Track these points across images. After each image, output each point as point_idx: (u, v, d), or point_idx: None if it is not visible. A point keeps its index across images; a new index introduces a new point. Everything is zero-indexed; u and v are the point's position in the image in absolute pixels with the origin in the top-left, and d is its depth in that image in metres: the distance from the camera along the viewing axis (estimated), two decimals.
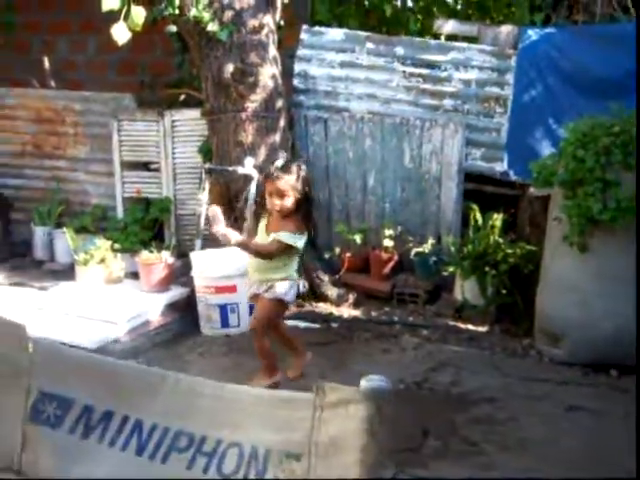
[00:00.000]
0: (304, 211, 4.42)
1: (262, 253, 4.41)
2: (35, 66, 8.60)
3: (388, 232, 6.57)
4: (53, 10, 8.97)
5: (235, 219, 6.26)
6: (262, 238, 4.46)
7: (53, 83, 8.34)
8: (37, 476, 1.53)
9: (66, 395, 1.53)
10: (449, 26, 7.01)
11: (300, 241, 4.42)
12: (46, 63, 8.50)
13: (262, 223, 4.53)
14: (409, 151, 6.68)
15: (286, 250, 4.39)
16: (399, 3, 8.93)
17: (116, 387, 1.54)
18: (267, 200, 4.36)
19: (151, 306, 5.69)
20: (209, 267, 5.66)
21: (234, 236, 4.34)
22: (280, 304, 4.57)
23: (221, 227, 4.32)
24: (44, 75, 8.46)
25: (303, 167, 4.45)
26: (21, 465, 1.52)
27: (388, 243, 6.58)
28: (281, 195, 4.29)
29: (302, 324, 6.01)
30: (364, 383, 1.27)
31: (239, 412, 1.42)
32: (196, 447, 1.44)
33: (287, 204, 4.32)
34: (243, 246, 4.42)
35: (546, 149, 6.21)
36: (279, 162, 4.40)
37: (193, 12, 6.18)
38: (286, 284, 4.50)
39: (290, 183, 4.30)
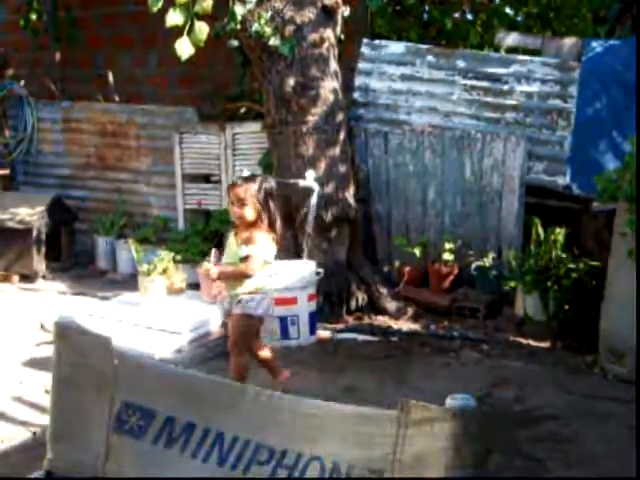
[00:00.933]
0: (268, 221, 4.39)
1: (244, 275, 4.34)
2: (99, 80, 8.80)
3: (448, 245, 6.53)
4: (116, 26, 9.18)
5: (295, 232, 6.32)
6: (232, 249, 4.43)
7: (117, 97, 8.53)
8: None
9: (149, 406, 1.56)
10: (511, 39, 6.97)
11: (270, 253, 4.42)
12: (110, 77, 8.69)
13: (231, 238, 4.50)
14: (470, 164, 6.64)
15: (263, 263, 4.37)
16: (458, 16, 8.92)
17: (197, 399, 1.56)
18: (230, 209, 4.47)
19: (212, 317, 5.75)
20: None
21: (214, 270, 4.38)
22: (250, 319, 4.44)
23: (208, 264, 4.44)
24: (108, 89, 8.65)
25: (270, 180, 4.50)
26: (105, 474, 1.55)
27: (448, 256, 6.55)
28: (241, 203, 4.31)
29: (360, 337, 6.01)
30: (450, 401, 1.26)
31: (320, 427, 1.43)
32: (277, 460, 1.45)
33: (246, 213, 4.32)
34: (224, 275, 4.40)
35: (610, 163, 6.12)
36: (244, 173, 4.49)
37: (255, 27, 6.25)
38: (255, 297, 4.41)
39: (250, 192, 4.30)
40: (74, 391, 1.61)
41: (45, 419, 4.49)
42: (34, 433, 4.32)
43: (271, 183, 4.46)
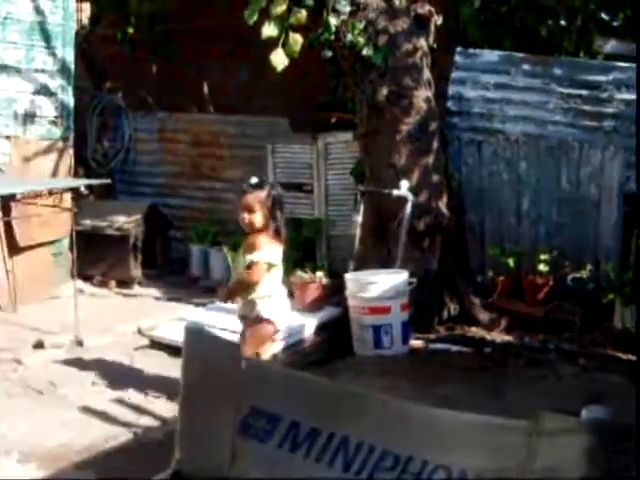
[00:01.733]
0: (274, 227, 4.38)
1: (249, 283, 4.36)
2: (193, 92, 9.01)
3: (543, 256, 6.42)
4: (209, 38, 9.38)
5: (387, 241, 6.31)
6: (238, 257, 4.54)
7: (211, 108, 8.72)
8: None
9: (275, 411, 1.59)
10: (610, 46, 6.82)
11: (275, 256, 4.39)
12: (204, 89, 8.89)
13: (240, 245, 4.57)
14: (566, 173, 6.52)
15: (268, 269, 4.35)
16: (552, 22, 8.75)
17: (322, 405, 1.58)
18: (238, 216, 4.41)
19: (305, 325, 5.80)
20: (363, 288, 5.71)
21: (221, 295, 4.56)
22: (266, 324, 4.43)
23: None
24: (202, 100, 8.86)
25: (277, 187, 4.55)
26: (230, 476, 1.59)
27: (543, 267, 6.44)
28: (249, 210, 4.31)
29: (453, 347, 5.96)
30: (585, 413, 1.24)
31: (447, 436, 1.43)
32: (402, 467, 1.46)
33: (255, 219, 4.31)
34: (231, 291, 4.50)
35: None
36: (253, 179, 4.44)
37: (349, 37, 6.30)
38: (269, 302, 4.42)
39: (259, 199, 4.31)
40: (202, 395, 1.66)
41: (145, 420, 4.66)
42: (135, 434, 4.46)
43: (278, 190, 4.52)
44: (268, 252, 4.35)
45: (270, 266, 4.37)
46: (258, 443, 1.59)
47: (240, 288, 4.44)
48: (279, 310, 4.50)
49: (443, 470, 1.41)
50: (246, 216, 4.34)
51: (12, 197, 6.59)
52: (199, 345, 1.67)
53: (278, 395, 1.62)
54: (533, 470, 1.31)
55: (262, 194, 4.34)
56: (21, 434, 4.43)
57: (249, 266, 4.32)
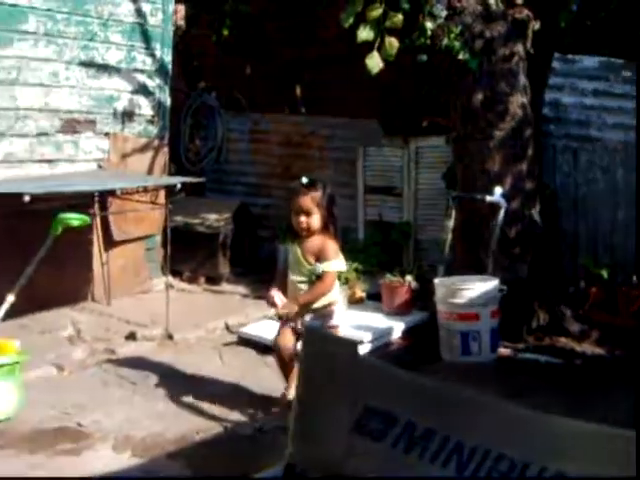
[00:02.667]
0: (333, 230, 4.21)
1: (322, 294, 4.22)
2: (286, 93, 9.11)
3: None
4: (302, 41, 9.47)
5: (478, 248, 6.25)
6: (302, 263, 4.22)
7: (303, 109, 8.80)
8: None
9: (390, 411, 1.61)
10: None
11: (343, 263, 4.27)
12: (297, 90, 8.98)
13: (294, 248, 4.28)
14: None
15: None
16: None
17: (438, 407, 1.59)
18: (292, 219, 4.18)
19: (392, 328, 5.81)
20: (453, 294, 5.67)
21: (293, 309, 4.17)
22: (336, 331, 4.32)
23: (283, 310, 4.16)
24: (295, 102, 8.95)
25: (328, 185, 4.32)
26: (343, 471, 1.62)
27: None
28: (307, 213, 4.11)
29: (542, 358, 5.85)
30: None
31: (568, 443, 1.42)
32: (518, 472, 1.46)
33: (313, 222, 4.12)
34: (304, 305, 4.23)
35: None
36: (304, 179, 4.21)
37: (445, 41, 6.27)
38: (336, 309, 4.34)
39: (316, 200, 4.13)
40: (318, 392, 1.68)
41: (234, 416, 4.74)
42: (225, 428, 4.55)
43: (330, 189, 4.32)
44: (338, 260, 4.25)
45: (339, 273, 4.39)
46: (372, 442, 1.61)
47: (315, 300, 4.24)
48: (343, 314, 4.50)
49: (561, 477, 1.40)
50: (304, 219, 4.13)
51: (110, 193, 6.80)
52: (318, 344, 1.70)
53: (394, 395, 1.64)
54: None
55: (318, 194, 4.16)
56: (116, 422, 4.58)
57: (320, 276, 4.18)
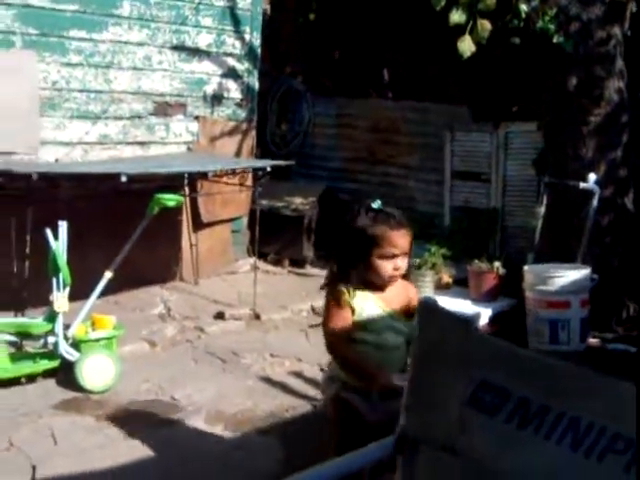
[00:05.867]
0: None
1: None
2: (373, 77, 9.10)
3: None
4: (392, 24, 9.43)
5: (569, 235, 6.14)
6: (385, 321, 2.94)
7: (390, 94, 8.78)
8: (470, 456, 1.64)
9: (504, 386, 1.62)
10: None
11: None
12: (384, 74, 8.96)
13: (367, 302, 2.90)
14: None
15: None
16: None
17: (552, 383, 1.59)
18: (380, 265, 2.83)
19: (480, 314, 5.77)
20: (543, 281, 5.58)
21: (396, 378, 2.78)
22: None
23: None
24: (382, 86, 8.93)
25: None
26: (456, 444, 1.63)
27: None
28: (406, 253, 2.91)
29: (632, 349, 5.72)
30: None
31: None
32: (635, 450, 1.45)
33: (405, 265, 2.94)
34: None
35: None
36: (376, 204, 2.89)
37: (539, 24, 6.15)
38: None
39: (411, 236, 2.94)
40: (433, 366, 1.70)
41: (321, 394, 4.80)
42: (314, 406, 4.62)
43: None
44: None
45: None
46: (486, 416, 1.62)
47: None
48: None
49: None
50: (400, 264, 2.88)
51: (201, 175, 6.96)
52: (434, 318, 1.71)
53: (508, 371, 1.64)
54: None
55: (409, 228, 2.95)
56: (207, 397, 4.71)
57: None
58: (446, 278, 6.27)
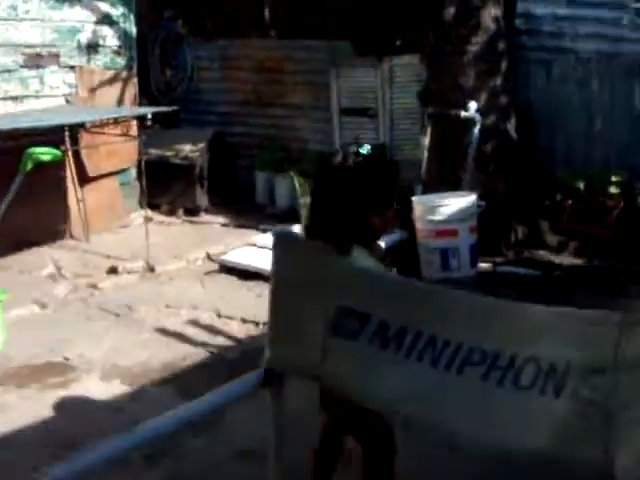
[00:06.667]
0: None
1: None
2: (255, 18, 8.89)
3: (614, 178, 6.26)
4: None
5: (455, 165, 6.24)
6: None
7: (273, 33, 8.61)
8: (336, 383, 1.65)
9: (363, 310, 1.62)
10: None
11: None
12: (266, 14, 8.77)
13: (367, 259, 2.43)
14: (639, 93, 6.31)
15: None
16: None
17: (410, 305, 1.61)
18: (376, 218, 2.45)
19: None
20: (431, 211, 5.68)
21: None
22: None
23: None
24: (264, 26, 8.75)
25: None
26: (321, 372, 1.64)
27: (614, 190, 6.28)
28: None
29: (522, 270, 5.92)
30: None
31: (537, 330, 1.44)
32: (490, 361, 1.48)
33: None
34: None
35: None
36: (365, 148, 2.81)
37: None
38: None
39: None
40: (292, 297, 1.69)
41: (220, 340, 4.78)
42: (211, 353, 4.60)
43: None
44: None
45: None
46: (348, 341, 1.63)
47: None
48: None
49: (533, 362, 1.43)
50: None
51: (80, 127, 6.69)
52: (288, 248, 1.69)
53: (366, 295, 1.65)
54: (625, 358, 1.31)
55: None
56: (101, 354, 4.61)
57: None
58: None
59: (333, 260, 1.70)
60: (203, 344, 4.70)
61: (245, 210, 7.94)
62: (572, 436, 1.37)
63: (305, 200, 6.06)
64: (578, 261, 6.15)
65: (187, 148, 8.09)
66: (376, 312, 1.61)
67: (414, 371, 1.56)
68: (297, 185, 6.20)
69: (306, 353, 1.66)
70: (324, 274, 1.66)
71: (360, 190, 2.40)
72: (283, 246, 1.70)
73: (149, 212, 7.03)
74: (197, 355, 4.57)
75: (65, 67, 7.10)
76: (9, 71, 6.63)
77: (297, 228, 6.36)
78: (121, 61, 7.61)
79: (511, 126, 6.38)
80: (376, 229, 2.45)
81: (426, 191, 6.09)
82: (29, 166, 4.84)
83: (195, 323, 5.09)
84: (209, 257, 6.51)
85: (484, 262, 6.01)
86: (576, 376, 1.37)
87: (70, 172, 7.06)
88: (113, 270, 6.17)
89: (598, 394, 1.34)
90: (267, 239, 6.40)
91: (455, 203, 5.62)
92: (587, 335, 1.37)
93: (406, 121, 7.15)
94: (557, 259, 6.18)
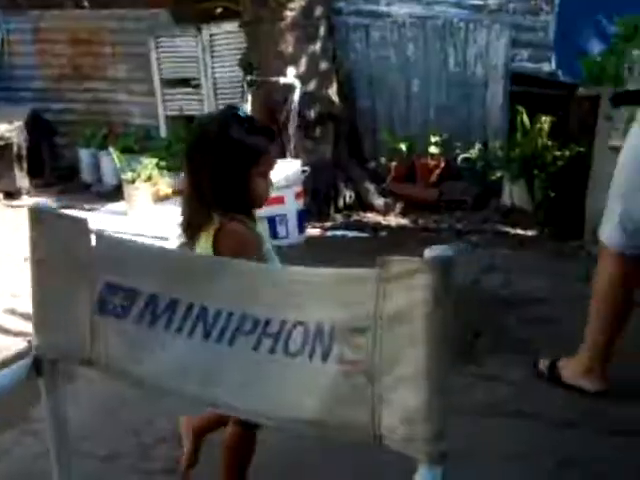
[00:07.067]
0: None
1: None
2: None
3: (434, 139, 6.46)
4: None
5: (278, 131, 6.22)
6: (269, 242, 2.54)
7: (87, 3, 8.24)
8: (107, 365, 1.57)
9: (131, 286, 1.55)
10: None
11: None
12: None
13: (260, 232, 2.42)
14: (453, 55, 6.52)
15: None
16: None
17: (180, 276, 1.54)
18: (260, 184, 2.29)
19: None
20: None
21: None
22: None
23: None
24: None
25: None
26: (92, 356, 1.55)
27: (434, 150, 6.49)
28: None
29: (350, 233, 6.02)
30: (427, 252, 1.26)
31: (303, 292, 1.42)
32: (261, 329, 1.45)
33: None
34: None
35: (596, 47, 6.00)
36: (244, 112, 2.44)
37: None
38: None
39: None
40: (54, 276, 1.60)
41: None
42: (29, 341, 4.37)
43: None
44: None
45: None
46: (117, 319, 1.55)
47: None
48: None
49: (300, 326, 1.41)
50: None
51: None
52: (45, 224, 1.59)
53: (134, 269, 1.57)
54: (382, 315, 1.31)
55: None
56: None
57: None
58: (164, 189, 6.14)
59: (96, 234, 1.61)
60: (20, 334, 4.46)
61: (70, 190, 7.62)
62: (341, 400, 1.36)
63: (127, 176, 5.88)
64: (404, 221, 6.33)
65: (2, 127, 7.63)
66: (144, 286, 1.54)
67: (186, 346, 1.51)
68: (117, 161, 6.00)
69: (74, 336, 1.57)
70: (86, 250, 1.57)
71: (247, 148, 2.23)
72: (39, 222, 1.60)
73: None
74: (14, 346, 4.33)
75: None
76: None
77: (122, 205, 6.18)
78: None
79: (333, 91, 6.43)
80: (262, 194, 2.31)
81: None
82: None
83: (13, 312, 4.83)
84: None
85: (313, 228, 6.07)
86: (341, 337, 1.36)
87: None
88: None
89: (361, 354, 1.34)
90: (92, 219, 6.16)
91: (279, 170, 5.59)
92: (348, 294, 1.37)
93: (231, 90, 7.05)
94: (384, 220, 6.33)
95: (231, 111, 2.34)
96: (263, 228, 2.53)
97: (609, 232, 3.21)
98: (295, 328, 1.41)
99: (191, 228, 2.29)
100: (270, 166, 2.33)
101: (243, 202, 2.28)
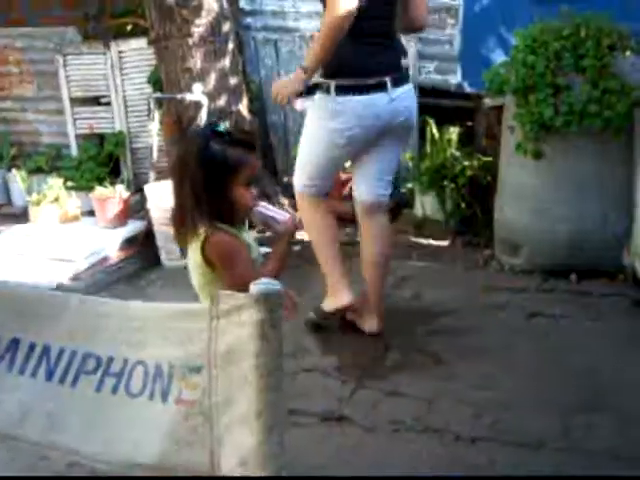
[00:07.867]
0: None
1: None
2: None
3: None
4: None
5: None
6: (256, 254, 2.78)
7: None
8: None
9: None
10: None
11: None
12: None
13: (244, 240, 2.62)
14: None
15: None
16: None
17: (20, 313, 1.50)
18: (243, 195, 2.49)
19: (109, 242, 5.64)
20: (164, 198, 5.56)
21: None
22: None
23: None
24: None
25: None
26: None
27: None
28: None
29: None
30: (253, 287, 1.24)
31: (143, 329, 1.39)
32: (104, 369, 1.42)
33: None
34: None
35: (499, 58, 6.11)
36: (223, 126, 2.64)
37: None
38: None
39: None
40: None
41: None
42: None
43: None
44: None
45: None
46: None
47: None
48: None
49: (141, 365, 1.38)
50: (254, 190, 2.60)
51: None
52: None
53: None
54: (215, 352, 1.30)
55: None
56: None
57: None
58: (72, 210, 6.03)
59: None
60: None
61: None
62: (181, 441, 1.33)
63: (33, 198, 5.75)
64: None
65: None
66: None
67: (30, 388, 1.46)
68: (20, 183, 5.86)
69: None
70: None
71: (227, 160, 2.42)
72: None
73: None
74: None
75: None
76: None
77: (29, 227, 6.04)
78: None
79: (243, 106, 6.41)
80: (245, 203, 2.49)
81: (159, 177, 5.97)
82: None
83: None
84: None
85: None
86: (179, 376, 1.34)
87: None
88: None
89: (197, 394, 1.31)
90: (2, 241, 6.01)
91: None
92: (183, 331, 1.35)
93: (141, 107, 6.95)
94: (298, 235, 6.27)
95: (211, 127, 2.58)
96: (250, 237, 2.72)
97: None
98: (135, 368, 1.38)
99: (180, 239, 2.53)
100: (251, 176, 2.51)
101: (227, 213, 2.46)
